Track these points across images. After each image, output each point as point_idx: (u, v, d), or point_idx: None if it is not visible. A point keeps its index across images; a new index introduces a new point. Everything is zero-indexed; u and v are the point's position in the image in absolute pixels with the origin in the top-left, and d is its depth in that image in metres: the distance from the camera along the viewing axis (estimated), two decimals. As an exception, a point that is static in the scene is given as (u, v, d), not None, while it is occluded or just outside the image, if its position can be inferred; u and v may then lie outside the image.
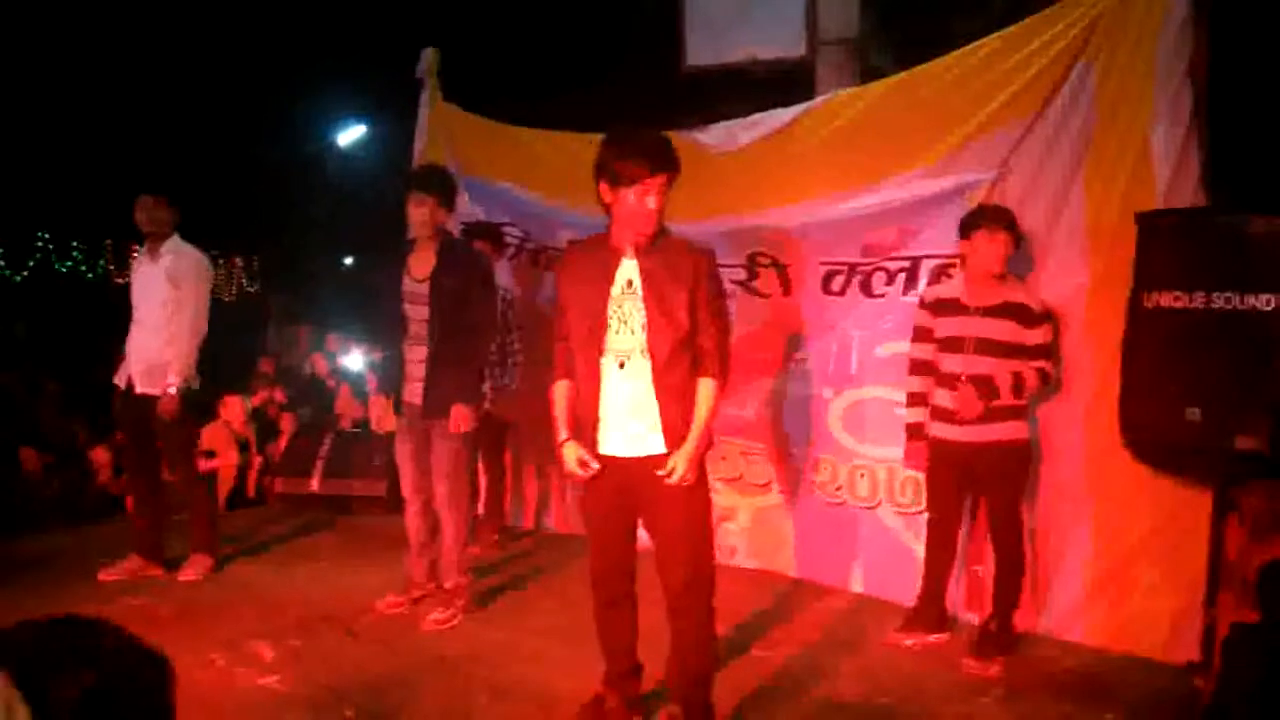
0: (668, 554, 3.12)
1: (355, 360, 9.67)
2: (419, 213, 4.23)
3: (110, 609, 4.37)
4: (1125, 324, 3.64)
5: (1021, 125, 4.11)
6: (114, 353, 5.11)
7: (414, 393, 4.30)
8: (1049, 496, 4.14)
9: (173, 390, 4.69)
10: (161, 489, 5.02)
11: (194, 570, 4.85)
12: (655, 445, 3.08)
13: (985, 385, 3.80)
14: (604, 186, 3.06)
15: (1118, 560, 3.98)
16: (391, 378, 4.48)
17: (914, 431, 4.11)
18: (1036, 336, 3.84)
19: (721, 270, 4.95)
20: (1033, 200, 4.12)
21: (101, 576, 4.75)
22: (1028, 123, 4.10)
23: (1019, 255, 4.10)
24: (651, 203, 3.02)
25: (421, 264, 4.29)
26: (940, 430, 3.98)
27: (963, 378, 3.86)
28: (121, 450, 6.73)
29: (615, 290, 3.10)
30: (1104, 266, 3.93)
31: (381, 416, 4.89)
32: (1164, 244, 3.54)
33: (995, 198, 4.15)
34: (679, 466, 3.04)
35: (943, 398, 3.96)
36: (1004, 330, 3.83)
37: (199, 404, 5.09)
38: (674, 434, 3.06)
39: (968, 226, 3.91)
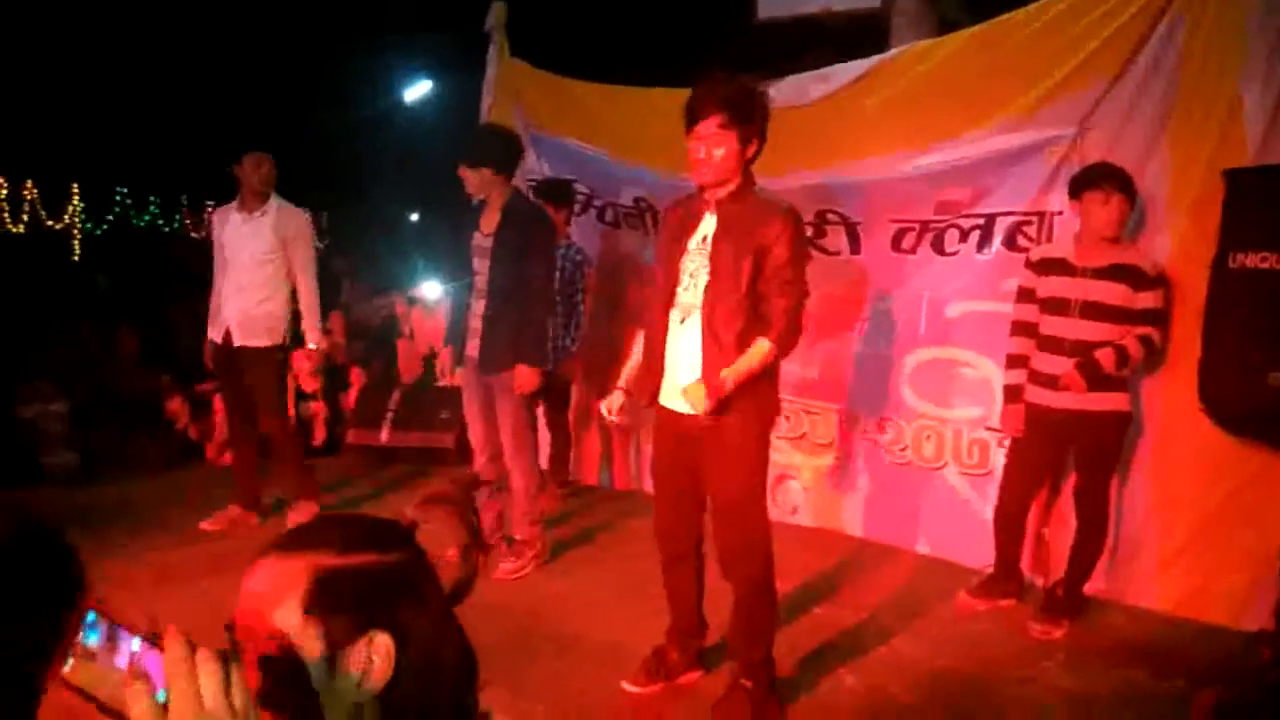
0: (720, 514, 3.12)
1: (423, 314, 9.78)
2: (471, 180, 4.28)
3: (198, 549, 4.55)
4: (1209, 286, 3.53)
5: (1104, 81, 3.98)
6: (199, 306, 5.25)
7: (474, 346, 4.37)
8: (1123, 462, 4.05)
9: (322, 347, 5.00)
10: (258, 439, 5.16)
11: (302, 514, 4.95)
12: (676, 403, 3.09)
13: (1089, 364, 3.63)
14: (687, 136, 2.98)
15: (1191, 528, 3.89)
16: (458, 330, 4.56)
17: (1012, 394, 3.94)
18: (1146, 300, 3.64)
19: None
20: (1114, 158, 3.97)
21: (203, 526, 4.91)
22: (1111, 78, 3.96)
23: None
24: (702, 151, 2.91)
25: (489, 220, 4.35)
26: (1038, 396, 3.82)
27: (1068, 342, 3.69)
28: (199, 400, 6.93)
29: (692, 244, 3.07)
30: (1188, 227, 3.81)
31: (445, 369, 4.93)
32: (1253, 202, 3.43)
33: (1075, 155, 4.03)
34: (691, 393, 2.95)
35: (1044, 362, 3.80)
36: (1114, 293, 3.64)
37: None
38: (717, 395, 2.98)
39: (1078, 186, 3.74)
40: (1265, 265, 3.32)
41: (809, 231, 4.94)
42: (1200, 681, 3.22)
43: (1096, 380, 3.64)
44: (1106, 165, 3.77)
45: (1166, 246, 3.89)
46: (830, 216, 4.90)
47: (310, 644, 0.98)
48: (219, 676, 0.81)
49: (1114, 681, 3.39)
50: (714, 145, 2.90)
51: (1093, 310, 3.67)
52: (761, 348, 2.97)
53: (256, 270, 4.89)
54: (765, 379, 3.07)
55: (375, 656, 1.00)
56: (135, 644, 0.82)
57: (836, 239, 4.92)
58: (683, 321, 3.08)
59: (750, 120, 2.91)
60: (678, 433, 3.12)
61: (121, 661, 0.81)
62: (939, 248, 4.61)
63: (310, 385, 6.89)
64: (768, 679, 3.14)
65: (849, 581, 4.36)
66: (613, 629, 3.71)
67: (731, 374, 2.95)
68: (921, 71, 4.55)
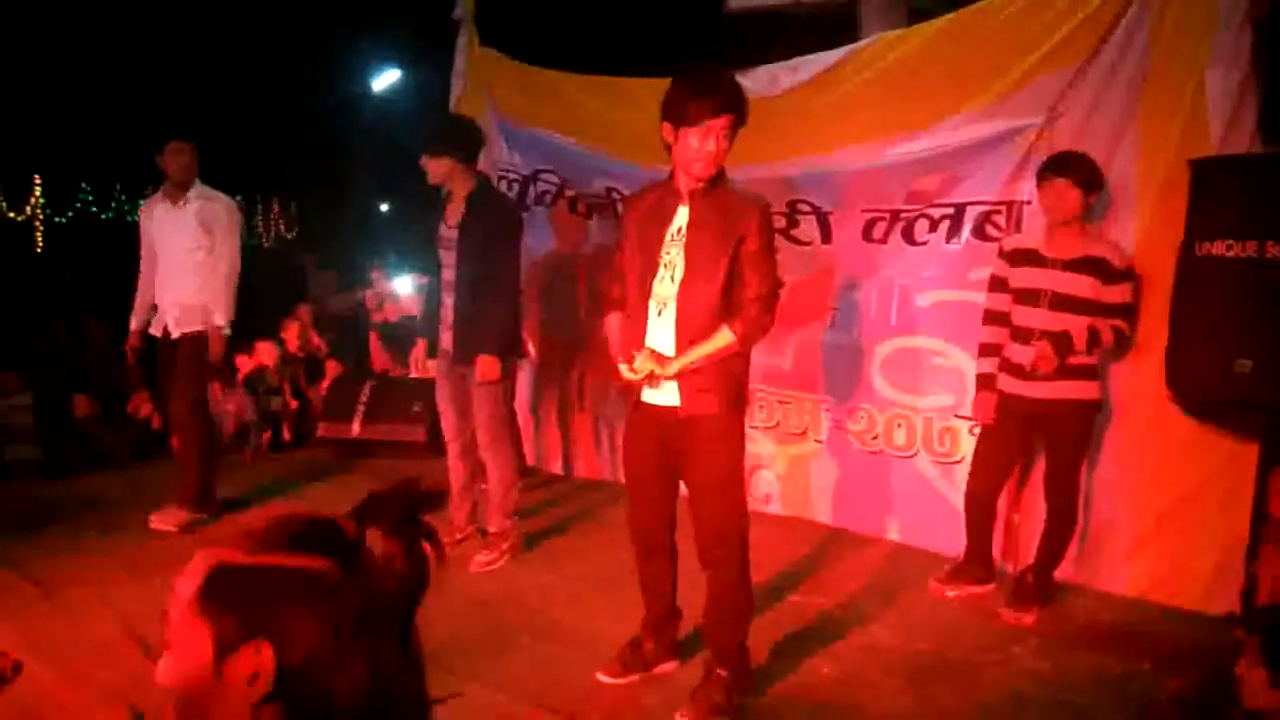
0: (698, 505, 3.12)
1: (395, 305, 9.73)
2: (434, 171, 4.27)
3: (168, 547, 4.50)
4: (1176, 274, 3.57)
5: (1073, 68, 4.00)
6: (129, 299, 5.15)
7: (447, 339, 4.36)
8: (1094, 449, 4.10)
9: (224, 330, 4.83)
10: (211, 432, 5.08)
11: (168, 519, 4.75)
12: (656, 397, 3.10)
13: (1062, 340, 3.66)
14: (667, 127, 2.97)
15: (1160, 513, 3.94)
16: (430, 323, 4.54)
17: (984, 382, 3.98)
18: (1116, 295, 3.67)
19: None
20: (1084, 146, 4.01)
21: (153, 525, 4.77)
22: (1079, 65, 3.99)
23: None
24: (711, 145, 2.93)
25: (454, 212, 4.33)
26: (1009, 385, 3.87)
27: (1037, 333, 3.73)
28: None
29: (668, 235, 3.07)
30: (1154, 214, 3.85)
31: (419, 361, 4.90)
32: (1218, 192, 3.46)
33: (1044, 144, 4.06)
34: (638, 360, 2.98)
35: (1015, 352, 3.83)
36: (1083, 286, 3.68)
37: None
38: (693, 393, 3.02)
39: (1039, 174, 3.80)
40: (1230, 254, 3.35)
41: (781, 222, 4.97)
42: (1170, 664, 3.27)
43: (1067, 366, 3.68)
44: (1067, 154, 3.81)
45: (1135, 232, 3.93)
46: (802, 207, 4.90)
47: (196, 642, 0.93)
48: None
49: (1085, 665, 3.43)
50: (722, 141, 2.95)
51: (1063, 302, 3.71)
52: (723, 337, 3.00)
53: (185, 259, 4.84)
54: (741, 367, 3.10)
55: (258, 668, 0.92)
56: None
57: (808, 229, 4.93)
58: (660, 314, 3.08)
59: (745, 118, 2.98)
60: (659, 425, 3.12)
61: None
62: (909, 237, 4.63)
63: (276, 379, 6.82)
64: (743, 666, 3.16)
65: (823, 569, 4.39)
66: (592, 618, 3.71)
67: (686, 358, 2.99)
68: (891, 61, 4.56)
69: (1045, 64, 4.06)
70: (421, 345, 4.67)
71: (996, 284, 3.96)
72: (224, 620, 0.93)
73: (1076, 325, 3.67)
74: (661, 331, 3.07)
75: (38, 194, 17.00)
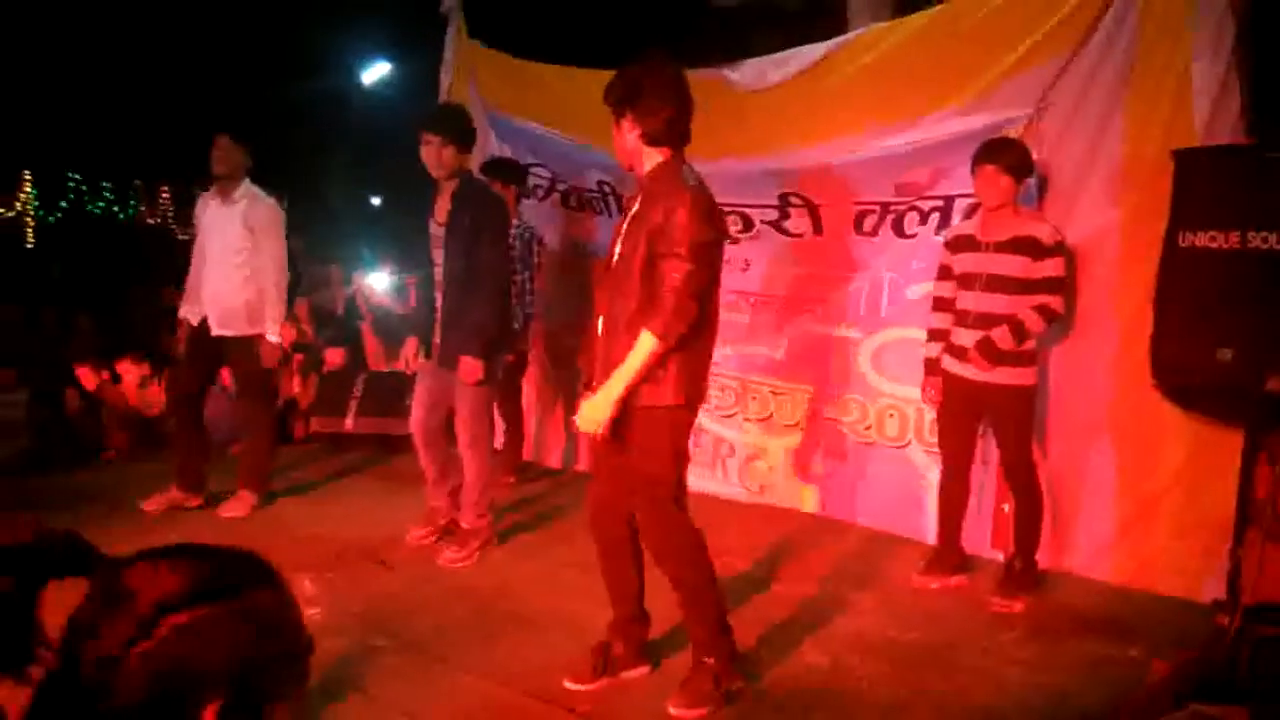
0: (634, 497, 3.06)
1: (386, 299, 9.72)
2: (426, 153, 4.22)
3: (151, 539, 4.50)
4: (1159, 263, 3.60)
5: (1060, 60, 4.03)
6: (156, 292, 5.20)
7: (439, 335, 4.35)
8: (1075, 436, 4.15)
9: (276, 339, 4.89)
10: (204, 425, 5.13)
11: (239, 507, 4.94)
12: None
13: (986, 343, 3.79)
14: None
15: (1144, 499, 3.99)
16: (422, 321, 4.52)
17: (930, 366, 4.12)
18: (1045, 269, 3.76)
19: (752, 210, 5.05)
20: (1070, 137, 4.06)
21: (145, 506, 4.88)
22: (1066, 57, 4.01)
23: (1055, 192, 4.07)
24: (618, 137, 3.02)
25: (442, 207, 4.30)
26: (951, 365, 4.00)
27: (973, 315, 3.87)
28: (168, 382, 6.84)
29: (622, 231, 3.07)
30: (1139, 204, 3.88)
31: (409, 356, 4.89)
32: (1201, 182, 3.48)
33: (1032, 135, 4.09)
34: (582, 411, 2.95)
35: (959, 335, 3.95)
36: (1014, 265, 3.78)
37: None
38: (602, 376, 2.99)
39: (972, 162, 3.89)
40: (1214, 245, 3.38)
41: (773, 215, 5.00)
42: (1161, 651, 3.31)
43: (998, 356, 3.79)
44: (997, 140, 3.93)
45: (1119, 222, 3.97)
46: (794, 200, 4.93)
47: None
48: None
49: (1073, 652, 3.47)
50: (617, 132, 3.03)
51: (995, 283, 3.82)
52: (643, 345, 2.87)
53: (229, 258, 4.87)
54: (688, 359, 2.97)
55: None
56: None
57: (800, 221, 4.96)
58: (603, 309, 3.12)
59: (623, 104, 2.99)
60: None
61: None
62: (899, 230, 4.66)
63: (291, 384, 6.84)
64: (727, 653, 3.11)
65: (814, 559, 4.42)
66: (579, 608, 3.71)
67: (616, 383, 2.91)
68: (881, 53, 4.58)
69: (1032, 57, 4.09)
70: (412, 343, 4.64)
71: (943, 272, 4.09)
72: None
73: (1009, 306, 3.78)
74: (601, 323, 3.10)
75: (28, 190, 16.92)
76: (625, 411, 2.96)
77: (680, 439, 3.05)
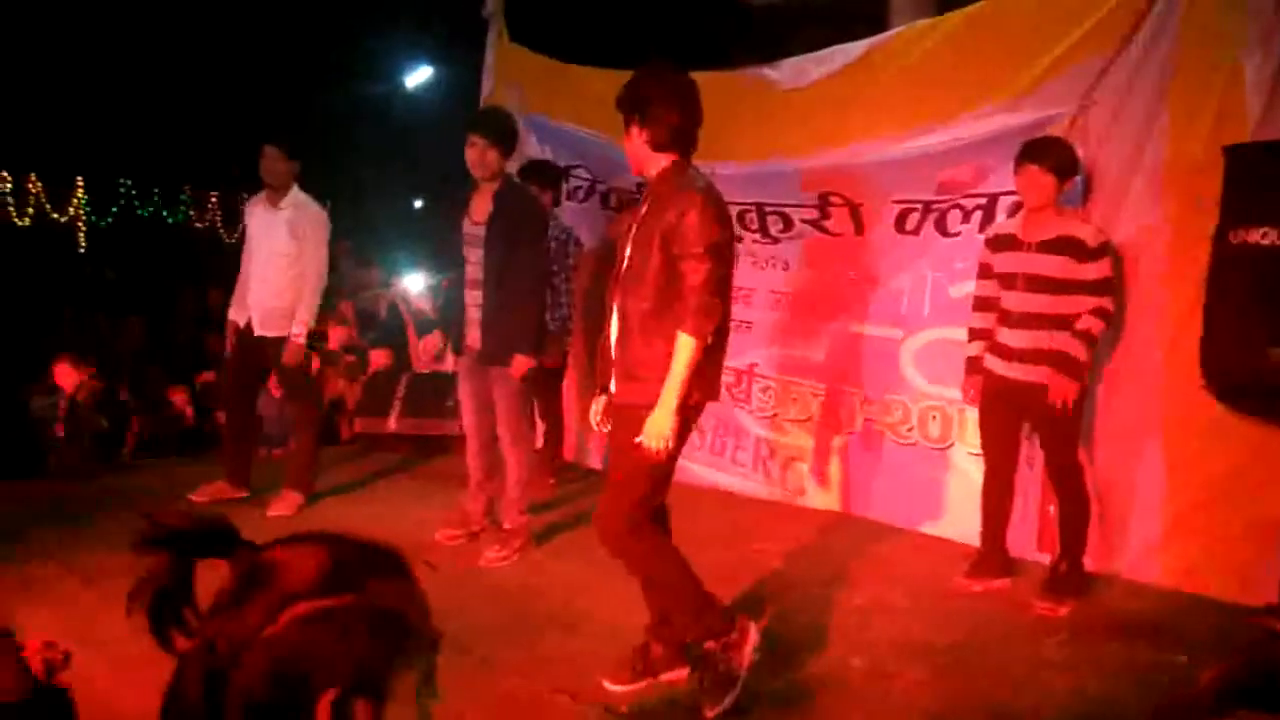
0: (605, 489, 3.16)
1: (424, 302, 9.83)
2: (470, 154, 4.28)
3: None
4: (1209, 261, 3.53)
5: (1104, 56, 3.97)
6: (205, 296, 5.33)
7: (474, 336, 4.38)
8: (1123, 438, 4.07)
9: (300, 340, 4.97)
10: (253, 422, 5.27)
11: (285, 506, 5.01)
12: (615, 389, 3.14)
13: (1064, 362, 3.70)
14: None
15: (1194, 502, 3.91)
16: (453, 319, 4.57)
17: (971, 365, 4.06)
18: (1092, 271, 3.70)
19: (792, 210, 5.03)
20: (1115, 134, 3.99)
21: (193, 497, 5.00)
22: (1110, 53, 3.96)
23: (1100, 189, 4.01)
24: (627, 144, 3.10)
25: (480, 208, 4.34)
26: (994, 365, 3.94)
27: (1016, 314, 3.81)
28: (209, 386, 6.98)
29: (632, 233, 3.14)
30: (1186, 202, 3.81)
31: (439, 354, 4.95)
32: (1254, 178, 3.42)
33: (1076, 132, 4.03)
34: (648, 428, 2.95)
35: (1003, 335, 3.90)
36: (1056, 266, 3.72)
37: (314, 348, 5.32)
38: (624, 380, 3.06)
39: (1015, 161, 3.83)
40: (1266, 241, 3.32)
41: (813, 214, 4.97)
42: (1209, 656, 3.25)
43: (1048, 352, 3.73)
44: (1040, 140, 3.85)
45: (1165, 219, 3.90)
46: (833, 199, 4.90)
47: None
48: None
49: (1118, 657, 3.41)
50: (628, 139, 3.11)
51: (1037, 283, 3.77)
52: (683, 350, 2.93)
53: (274, 262, 4.98)
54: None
55: None
56: None
57: (840, 220, 4.93)
58: (614, 311, 3.16)
59: (632, 112, 3.08)
60: (611, 414, 3.19)
61: None
62: (942, 228, 4.61)
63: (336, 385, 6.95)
64: (720, 626, 3.08)
65: (855, 562, 4.38)
66: (615, 609, 3.67)
67: (670, 394, 2.94)
68: (923, 50, 4.55)
69: (1076, 52, 4.04)
70: (428, 340, 4.71)
71: (983, 270, 4.03)
72: None
73: (1052, 306, 3.73)
74: (614, 325, 3.14)
75: (80, 195, 17.27)
76: (633, 410, 3.01)
77: (681, 437, 3.07)
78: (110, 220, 17.59)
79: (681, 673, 3.24)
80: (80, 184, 17.25)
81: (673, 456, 3.06)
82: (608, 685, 3.16)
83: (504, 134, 4.35)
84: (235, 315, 5.14)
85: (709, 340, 2.96)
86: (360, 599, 0.97)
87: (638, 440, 2.96)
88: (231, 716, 0.89)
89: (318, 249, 5.02)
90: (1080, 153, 3.91)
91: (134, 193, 17.77)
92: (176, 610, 0.95)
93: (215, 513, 1.08)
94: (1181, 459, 3.93)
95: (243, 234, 5.31)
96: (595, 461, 6.09)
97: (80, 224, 17.39)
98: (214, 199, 18.24)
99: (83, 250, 17.22)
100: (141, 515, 0.96)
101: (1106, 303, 3.72)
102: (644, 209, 3.11)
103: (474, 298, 4.37)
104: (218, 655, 0.91)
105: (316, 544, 1.01)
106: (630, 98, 3.08)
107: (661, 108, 3.03)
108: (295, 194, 5.02)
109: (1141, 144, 3.92)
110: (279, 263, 4.96)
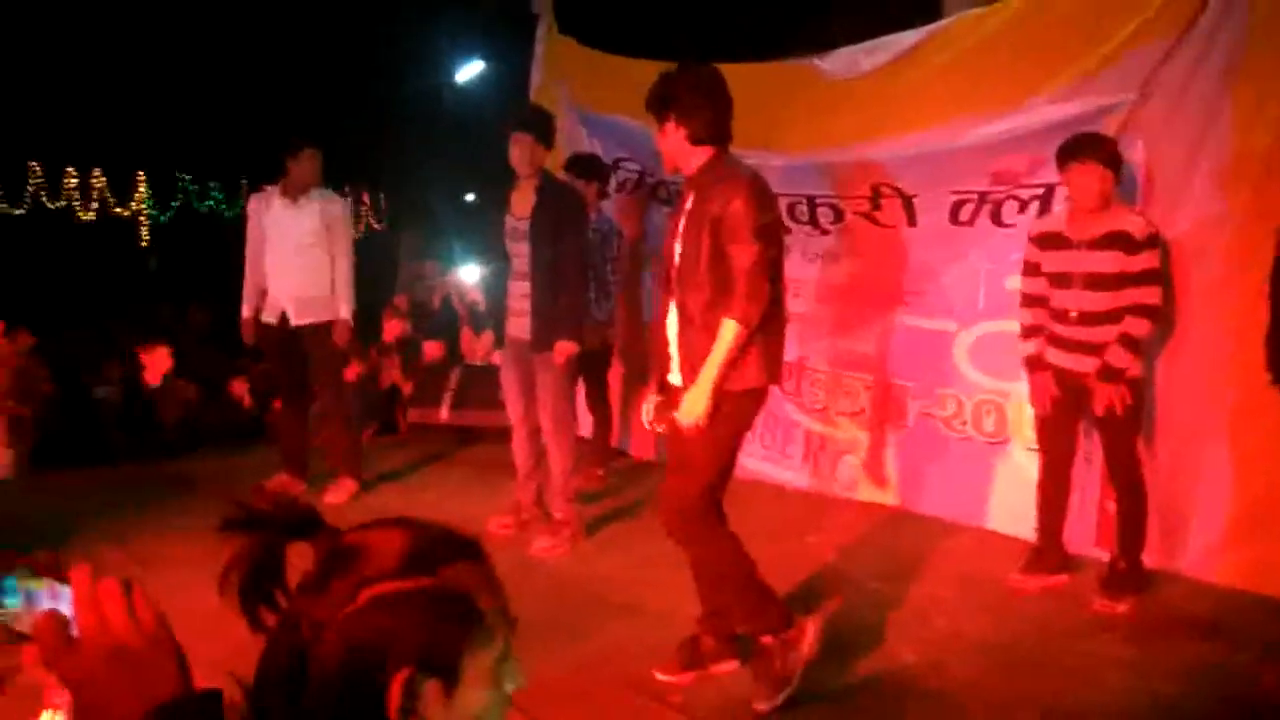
0: (667, 474, 3.22)
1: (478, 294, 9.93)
2: (516, 151, 4.36)
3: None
4: (1275, 255, 3.44)
5: (1164, 44, 3.88)
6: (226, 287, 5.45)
7: (517, 327, 4.46)
8: (1187, 434, 3.99)
9: (349, 320, 5.17)
10: (307, 416, 5.40)
11: (341, 493, 5.13)
12: (677, 379, 3.18)
13: (1108, 372, 3.67)
14: None
15: (1259, 500, 3.82)
16: (496, 311, 4.67)
17: (1034, 363, 3.98)
18: (1140, 263, 3.64)
19: (844, 202, 4.99)
20: (1176, 125, 3.90)
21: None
22: (1171, 41, 3.86)
23: (1160, 182, 3.92)
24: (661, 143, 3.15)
25: (522, 202, 4.42)
26: (1057, 358, 3.89)
27: (1074, 313, 3.77)
28: (264, 379, 7.11)
29: (680, 228, 3.17)
30: (1251, 194, 3.72)
31: (481, 348, 5.04)
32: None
33: (1135, 122, 3.95)
34: (683, 406, 3.05)
35: (1060, 330, 3.85)
36: (1110, 261, 3.67)
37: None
38: (689, 373, 3.09)
39: (1063, 158, 3.74)
40: (1334, 233, 3.22)
41: (864, 205, 4.93)
42: (1271, 657, 3.18)
43: (1119, 375, 3.67)
44: (1086, 135, 3.77)
45: (1229, 213, 3.81)
46: (885, 190, 4.85)
47: None
48: (122, 600, 0.87)
49: (1178, 656, 3.36)
50: (661, 137, 3.17)
51: (1094, 281, 3.72)
52: (726, 333, 2.99)
53: (304, 254, 5.08)
54: (759, 343, 3.06)
55: None
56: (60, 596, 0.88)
57: (893, 212, 4.88)
58: (671, 303, 3.21)
59: (663, 109, 3.11)
60: (676, 402, 3.20)
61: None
62: (997, 219, 4.55)
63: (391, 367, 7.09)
64: (779, 622, 3.08)
65: (908, 556, 4.35)
66: (669, 597, 3.66)
67: (707, 374, 3.00)
68: (977, 39, 4.48)
69: (1134, 40, 3.94)
70: (485, 337, 4.81)
71: (1029, 269, 3.97)
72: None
73: (1110, 302, 3.68)
74: (672, 320, 3.19)
75: (142, 190, 17.67)
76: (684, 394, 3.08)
77: (745, 423, 3.15)
78: (170, 214, 17.98)
79: (731, 665, 3.25)
80: (141, 179, 17.65)
81: (738, 443, 3.12)
82: (659, 676, 3.18)
83: (548, 131, 4.46)
84: (266, 315, 5.20)
85: (755, 325, 3.00)
86: (436, 581, 0.99)
87: (695, 425, 3.02)
88: (312, 693, 0.92)
89: (346, 236, 5.26)
90: (1139, 143, 3.83)
91: (193, 188, 18.14)
92: (267, 590, 0.98)
93: (295, 498, 1.11)
94: (1247, 456, 3.84)
95: (244, 232, 5.38)
96: (645, 451, 6.10)
97: (143, 218, 17.79)
98: (256, 194, 18.55)
99: (145, 244, 17.63)
100: (230, 501, 0.99)
101: (1147, 296, 3.65)
102: (688, 204, 3.15)
103: (518, 289, 4.45)
104: (301, 634, 0.94)
105: (397, 528, 1.03)
106: (659, 96, 3.14)
107: (692, 101, 3.09)
108: (321, 189, 5.19)
109: (1203, 135, 3.82)
110: (315, 253, 5.09)
